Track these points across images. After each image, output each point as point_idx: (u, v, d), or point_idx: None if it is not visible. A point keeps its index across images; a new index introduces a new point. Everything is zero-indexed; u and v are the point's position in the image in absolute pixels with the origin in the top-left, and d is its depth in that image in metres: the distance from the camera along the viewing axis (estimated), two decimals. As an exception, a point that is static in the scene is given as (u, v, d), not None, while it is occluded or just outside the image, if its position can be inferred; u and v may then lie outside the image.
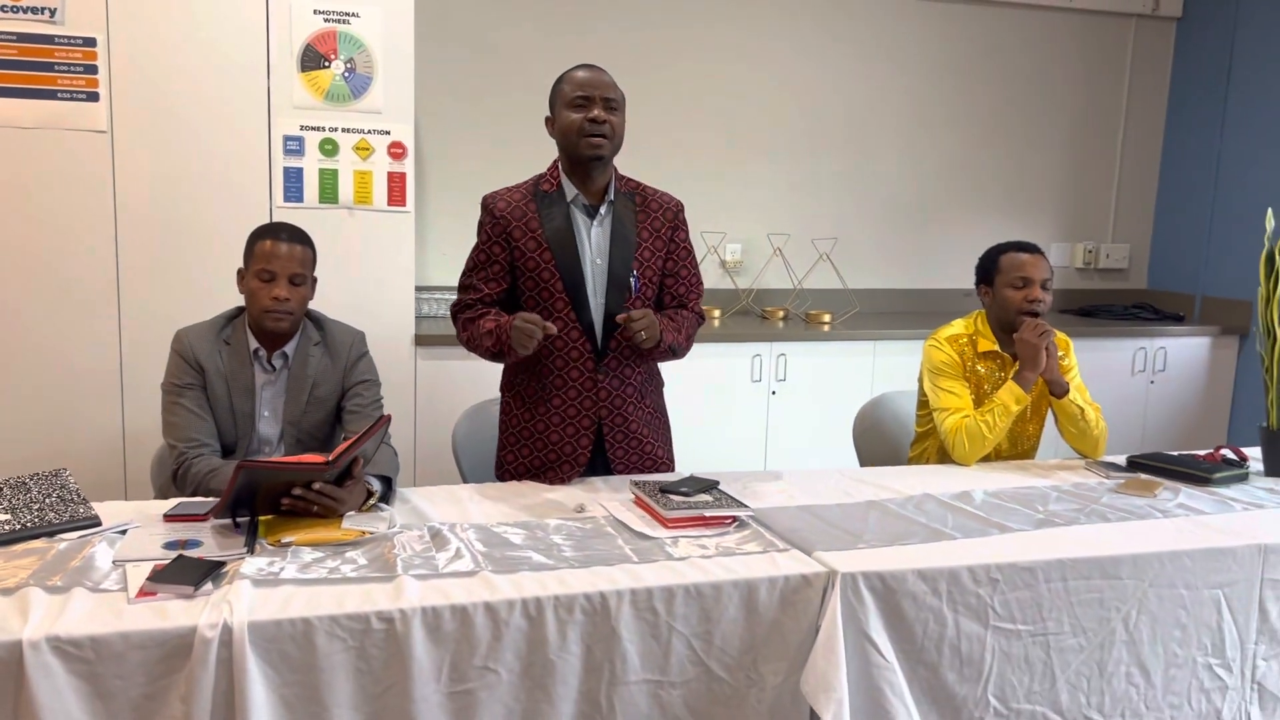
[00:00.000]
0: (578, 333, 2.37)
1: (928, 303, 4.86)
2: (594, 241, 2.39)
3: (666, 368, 2.60)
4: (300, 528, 1.88)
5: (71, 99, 3.18)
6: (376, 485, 2.07)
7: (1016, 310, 2.64)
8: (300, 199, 3.39)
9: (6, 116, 3.13)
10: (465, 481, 2.63)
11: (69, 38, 3.15)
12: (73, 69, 3.17)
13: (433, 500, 2.14)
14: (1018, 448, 2.76)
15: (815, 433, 4.08)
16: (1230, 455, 2.66)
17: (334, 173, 3.40)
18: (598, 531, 1.97)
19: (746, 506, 2.05)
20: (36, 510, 1.89)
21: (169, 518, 1.93)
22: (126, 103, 3.22)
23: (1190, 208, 5.04)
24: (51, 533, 1.82)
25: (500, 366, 2.55)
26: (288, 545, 1.80)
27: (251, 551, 1.77)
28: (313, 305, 2.48)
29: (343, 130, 3.39)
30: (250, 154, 3.33)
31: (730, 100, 4.55)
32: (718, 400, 3.97)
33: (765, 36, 4.56)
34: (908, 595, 1.82)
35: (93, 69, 3.18)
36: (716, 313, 4.41)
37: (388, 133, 3.43)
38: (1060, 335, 2.72)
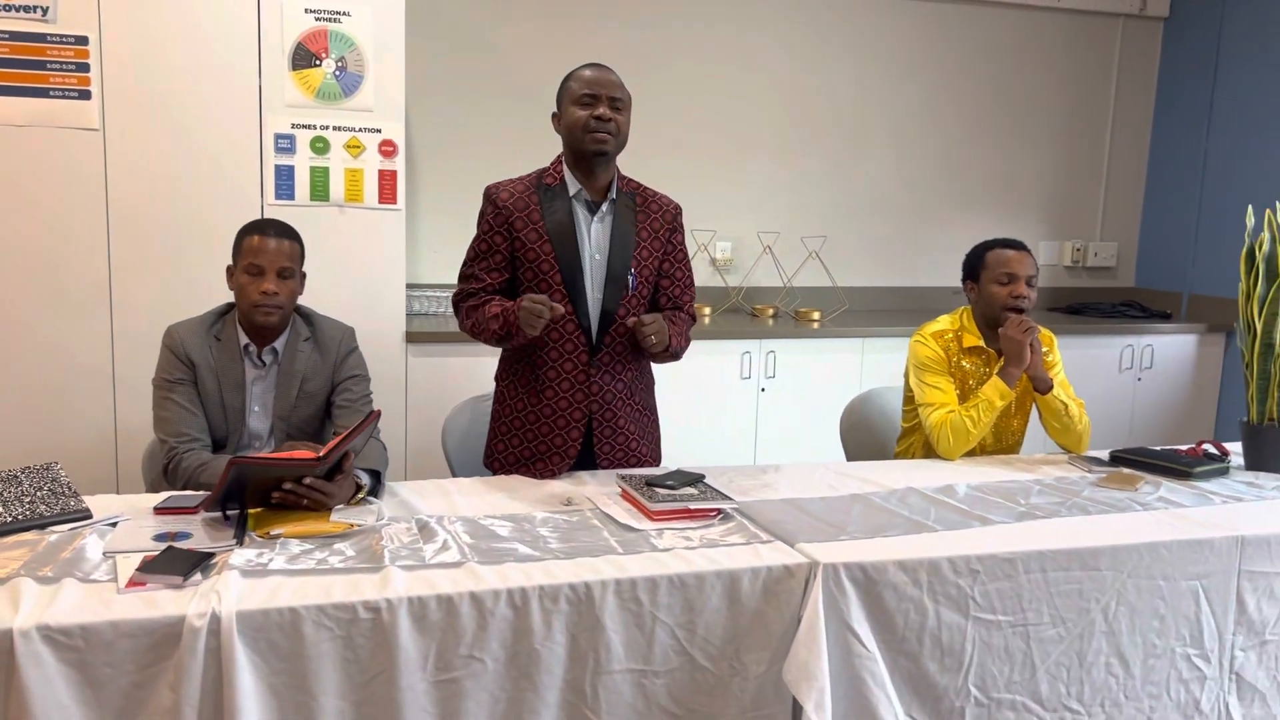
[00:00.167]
0: (573, 326, 2.39)
1: (917, 300, 4.89)
2: (594, 237, 2.42)
3: (656, 364, 2.63)
4: (289, 520, 1.91)
5: (64, 97, 3.19)
6: (365, 479, 2.09)
7: (1002, 306, 2.67)
8: (291, 196, 3.41)
9: (-2, 114, 3.16)
10: (455, 476, 2.65)
11: (61, 36, 3.16)
12: (65, 67, 3.18)
13: (421, 493, 2.16)
14: (1002, 443, 2.79)
15: (804, 429, 4.11)
16: (1212, 450, 2.69)
17: (325, 171, 3.42)
18: (584, 524, 2.00)
19: (731, 499, 2.08)
20: (28, 503, 1.91)
21: (159, 510, 1.95)
22: (118, 100, 3.24)
23: (1177, 206, 5.08)
24: (42, 525, 1.84)
25: (494, 358, 2.57)
26: (277, 537, 1.83)
27: (241, 543, 1.79)
28: (304, 302, 2.50)
29: (334, 128, 3.41)
30: (242, 152, 3.35)
31: (721, 99, 4.58)
32: (707, 397, 3.99)
33: (756, 36, 4.59)
34: (889, 586, 1.85)
35: (85, 67, 3.19)
36: (707, 310, 4.44)
37: (378, 131, 3.45)
38: (1044, 331, 2.75)
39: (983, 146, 4.97)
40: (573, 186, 2.41)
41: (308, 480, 1.92)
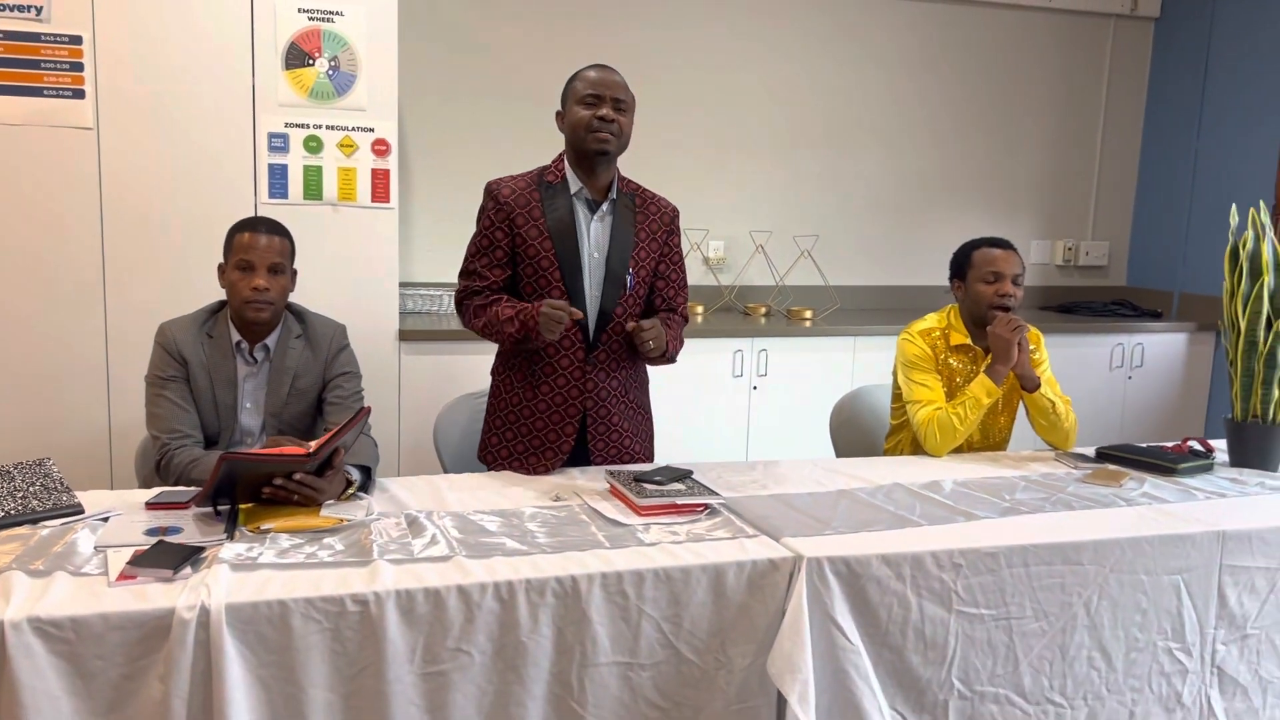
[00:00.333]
0: (571, 324, 2.42)
1: (908, 299, 4.91)
2: (593, 236, 2.44)
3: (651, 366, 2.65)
4: (280, 515, 1.92)
5: (58, 96, 3.21)
6: (356, 475, 2.11)
7: (988, 305, 2.69)
8: (285, 195, 3.42)
9: (-7, 113, 3.17)
10: (446, 473, 2.67)
11: (55, 35, 3.18)
12: (59, 66, 3.20)
13: (411, 489, 2.18)
14: (989, 439, 2.81)
15: (795, 427, 4.13)
16: (1197, 446, 2.71)
17: (318, 169, 3.44)
18: (572, 519, 2.02)
19: (718, 495, 2.10)
20: (20, 498, 1.92)
21: (151, 506, 1.97)
22: (112, 100, 3.25)
23: (1169, 206, 5.11)
24: (35, 520, 1.86)
25: (486, 357, 2.59)
26: (267, 532, 1.84)
27: (231, 538, 1.81)
28: (298, 300, 2.52)
29: (327, 127, 3.43)
30: (235, 151, 3.37)
31: (714, 99, 4.60)
32: (700, 395, 4.01)
33: (748, 36, 4.61)
34: (872, 580, 1.87)
35: (79, 66, 3.21)
36: (699, 309, 4.46)
37: (371, 130, 3.47)
38: (1032, 329, 2.77)
39: (974, 146, 4.99)
40: (574, 185, 2.43)
41: (298, 476, 1.94)
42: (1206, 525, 2.12)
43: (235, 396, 2.41)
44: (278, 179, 3.41)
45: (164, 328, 2.40)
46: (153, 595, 1.55)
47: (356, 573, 1.67)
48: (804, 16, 4.67)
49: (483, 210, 2.47)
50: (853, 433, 3.13)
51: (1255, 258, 2.62)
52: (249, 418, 2.44)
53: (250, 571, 1.66)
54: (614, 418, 2.50)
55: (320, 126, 3.42)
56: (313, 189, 3.44)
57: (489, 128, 4.27)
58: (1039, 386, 2.70)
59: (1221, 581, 2.12)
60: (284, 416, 2.45)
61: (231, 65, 3.33)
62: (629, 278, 2.46)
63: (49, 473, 2.07)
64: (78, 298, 3.30)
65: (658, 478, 2.13)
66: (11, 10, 3.13)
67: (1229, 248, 2.65)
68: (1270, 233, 2.62)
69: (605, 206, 2.45)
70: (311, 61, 3.38)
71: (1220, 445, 2.77)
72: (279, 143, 3.40)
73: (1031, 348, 2.74)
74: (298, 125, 3.40)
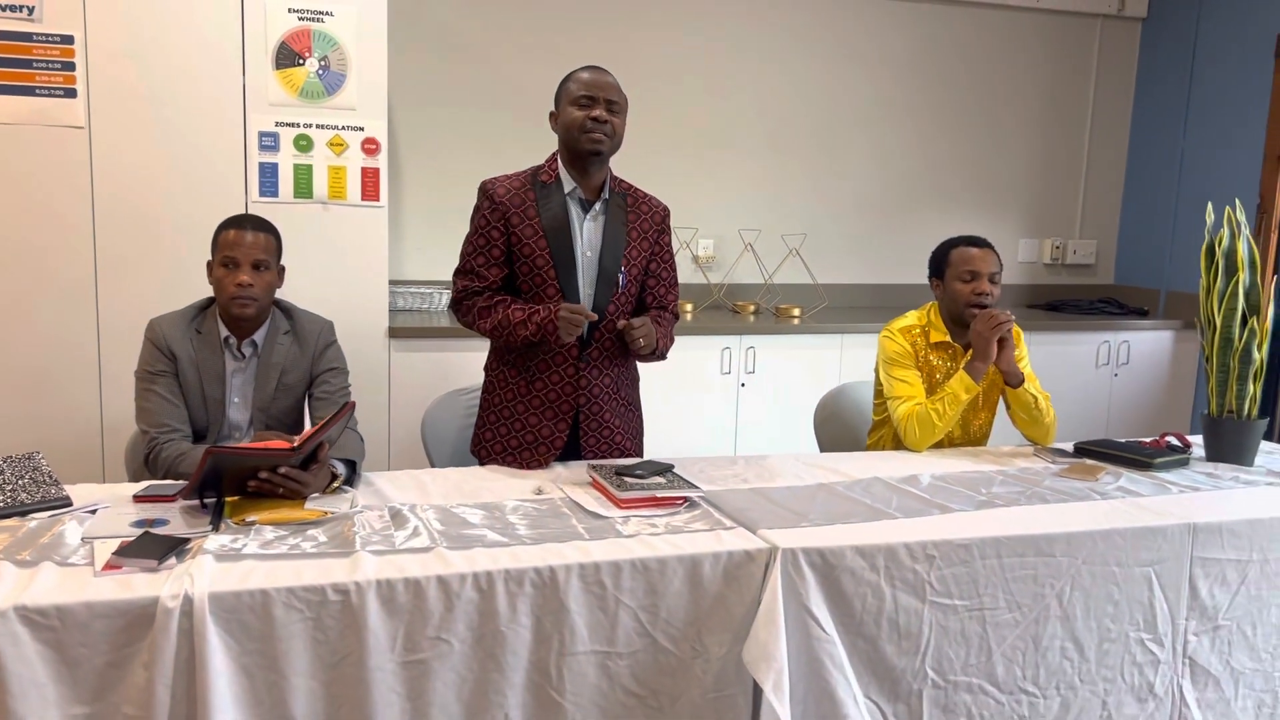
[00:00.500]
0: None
1: (895, 298, 4.94)
2: (586, 235, 2.48)
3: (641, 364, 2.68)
4: (265, 508, 1.95)
5: (50, 95, 3.24)
6: (340, 468, 2.14)
7: (965, 303, 2.73)
8: (275, 194, 3.45)
9: (-15, 112, 3.20)
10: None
11: (47, 35, 3.21)
12: (50, 66, 3.23)
13: (396, 483, 2.21)
14: (970, 435, 2.85)
15: (782, 424, 4.16)
16: (1175, 442, 2.75)
17: (308, 168, 3.47)
18: (553, 512, 2.05)
19: (697, 488, 2.13)
20: (9, 491, 1.95)
21: (138, 498, 2.00)
22: (104, 99, 3.28)
23: (1155, 204, 5.14)
24: (23, 512, 1.89)
25: (476, 354, 2.61)
26: (252, 524, 1.87)
27: (216, 530, 1.84)
28: (289, 297, 2.55)
29: (317, 126, 3.46)
30: (226, 150, 3.40)
31: (703, 98, 4.63)
32: (688, 392, 4.05)
33: (737, 36, 4.64)
34: (846, 570, 1.90)
35: (70, 66, 3.24)
36: (688, 307, 4.49)
37: (361, 129, 3.50)
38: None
39: (962, 145, 5.03)
40: (568, 184, 2.47)
41: (283, 469, 1.97)
42: (1178, 518, 2.15)
43: (223, 391, 2.44)
44: (268, 177, 3.44)
45: (153, 323, 2.43)
46: (137, 585, 1.58)
47: (338, 563, 1.71)
48: (791, 17, 4.70)
49: (478, 209, 2.49)
50: (836, 429, 3.16)
51: (1231, 255, 2.66)
52: (237, 412, 2.47)
53: (234, 562, 1.69)
54: (606, 414, 2.53)
55: (310, 125, 3.45)
56: (303, 187, 3.48)
57: (478, 126, 4.30)
58: (1023, 382, 2.73)
59: (1193, 573, 2.15)
60: (271, 411, 2.48)
61: (222, 65, 3.36)
62: (621, 276, 2.49)
63: (38, 466, 2.10)
64: (70, 295, 3.33)
65: (639, 471, 2.17)
66: (3, 10, 3.16)
67: (1205, 245, 2.68)
68: (1246, 230, 2.66)
69: (598, 206, 2.49)
70: (302, 61, 3.41)
71: (1198, 441, 2.81)
72: (269, 141, 3.43)
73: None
74: (288, 124, 3.44)
